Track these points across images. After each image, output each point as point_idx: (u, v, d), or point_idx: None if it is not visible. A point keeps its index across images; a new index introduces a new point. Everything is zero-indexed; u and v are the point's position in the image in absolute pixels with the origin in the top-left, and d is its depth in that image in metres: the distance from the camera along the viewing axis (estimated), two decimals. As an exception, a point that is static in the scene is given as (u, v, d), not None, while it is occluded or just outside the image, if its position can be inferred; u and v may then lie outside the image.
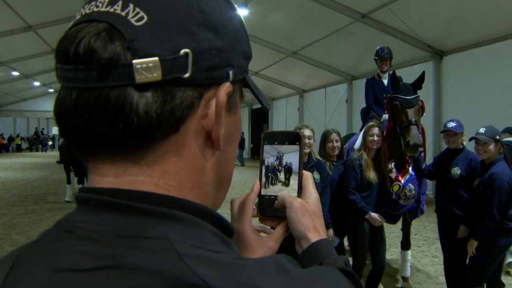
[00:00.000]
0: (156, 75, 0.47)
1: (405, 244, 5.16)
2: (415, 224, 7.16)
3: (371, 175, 4.25)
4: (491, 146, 3.92)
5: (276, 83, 19.96)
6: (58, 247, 0.48)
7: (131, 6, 0.49)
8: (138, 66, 0.47)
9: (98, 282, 0.43)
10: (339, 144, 4.54)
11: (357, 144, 4.96)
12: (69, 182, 11.04)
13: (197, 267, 0.43)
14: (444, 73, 11.36)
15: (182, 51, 0.49)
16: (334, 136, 4.51)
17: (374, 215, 4.20)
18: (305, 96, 19.90)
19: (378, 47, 6.01)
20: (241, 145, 23.93)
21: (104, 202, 0.49)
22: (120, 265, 0.43)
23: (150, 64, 0.47)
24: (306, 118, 19.09)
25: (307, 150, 4.09)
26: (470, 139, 4.12)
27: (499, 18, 9.00)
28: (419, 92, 4.47)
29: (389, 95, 4.75)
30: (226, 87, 0.55)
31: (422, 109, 4.51)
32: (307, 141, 4.03)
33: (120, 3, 0.49)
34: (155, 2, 0.50)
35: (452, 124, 4.31)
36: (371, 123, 4.62)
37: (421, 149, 4.28)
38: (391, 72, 5.22)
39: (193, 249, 0.46)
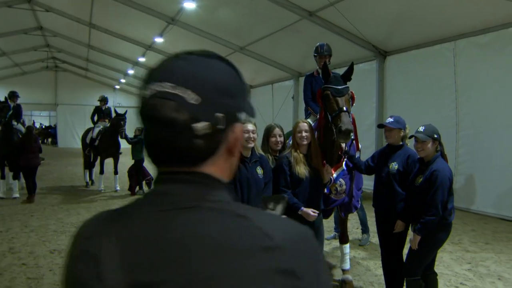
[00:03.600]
0: (209, 130, 0.85)
1: (343, 238, 5.29)
2: (356, 218, 7.33)
3: (301, 170, 4.27)
4: (429, 144, 4.03)
5: (224, 78, 19.82)
6: (158, 201, 0.86)
7: (190, 91, 0.83)
8: (197, 127, 0.83)
9: (188, 212, 0.83)
10: (282, 139, 4.57)
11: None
12: (3, 177, 10.55)
13: (237, 207, 0.87)
14: (387, 72, 11.71)
15: (220, 115, 0.86)
16: (277, 131, 4.53)
17: (306, 210, 4.23)
18: (253, 91, 19.92)
19: (317, 44, 6.04)
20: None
21: (188, 179, 0.88)
22: (200, 206, 0.84)
23: (205, 126, 0.84)
24: (253, 113, 19.08)
25: (251, 145, 4.08)
26: (410, 137, 4.25)
27: (439, 22, 9.40)
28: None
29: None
30: (240, 127, 0.93)
31: (352, 99, 4.63)
32: (251, 135, 4.03)
33: (181, 88, 0.83)
34: (202, 88, 0.84)
35: (389, 120, 4.45)
36: (299, 119, 4.67)
37: (352, 135, 4.38)
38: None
39: (234, 203, 0.90)
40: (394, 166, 4.42)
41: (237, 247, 0.77)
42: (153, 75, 0.87)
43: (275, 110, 17.36)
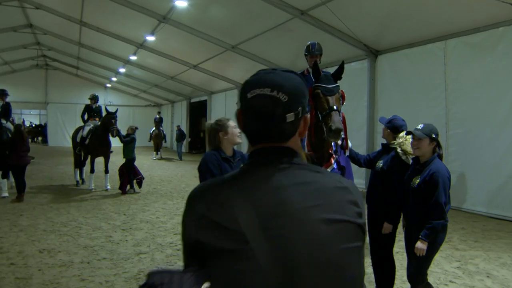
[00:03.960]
0: (293, 118, 1.23)
1: None
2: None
3: None
4: (426, 143, 3.86)
5: (215, 76, 19.82)
6: (263, 165, 1.26)
7: (281, 93, 1.21)
8: (288, 116, 1.22)
9: (286, 169, 1.24)
10: None
11: None
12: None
13: (310, 165, 1.34)
14: (379, 71, 11.76)
15: (300, 108, 1.25)
16: None
17: None
18: (244, 90, 19.87)
19: (308, 43, 6.04)
20: (181, 139, 23.49)
21: (281, 151, 1.29)
22: (291, 166, 1.26)
23: (292, 115, 1.23)
24: (245, 112, 19.05)
25: (239, 140, 4.01)
26: (407, 134, 4.20)
27: (430, 21, 9.44)
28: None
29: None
30: (307, 118, 1.32)
31: (342, 98, 4.64)
32: (235, 131, 3.96)
33: (276, 91, 1.21)
34: (288, 91, 1.22)
35: (390, 117, 4.54)
36: None
37: (342, 134, 4.38)
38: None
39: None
40: (379, 164, 4.45)
41: (328, 186, 1.23)
42: (251, 83, 1.27)
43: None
